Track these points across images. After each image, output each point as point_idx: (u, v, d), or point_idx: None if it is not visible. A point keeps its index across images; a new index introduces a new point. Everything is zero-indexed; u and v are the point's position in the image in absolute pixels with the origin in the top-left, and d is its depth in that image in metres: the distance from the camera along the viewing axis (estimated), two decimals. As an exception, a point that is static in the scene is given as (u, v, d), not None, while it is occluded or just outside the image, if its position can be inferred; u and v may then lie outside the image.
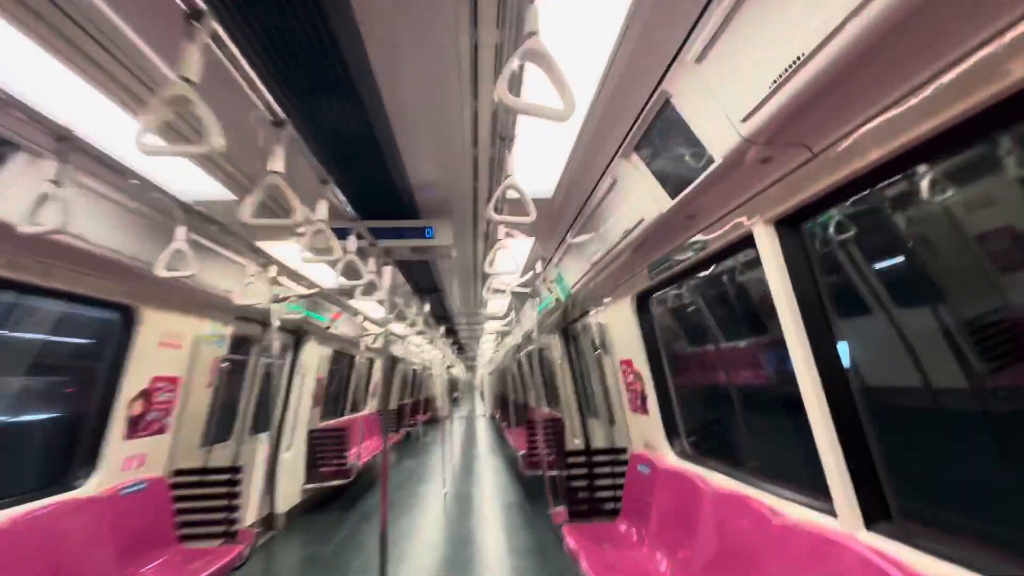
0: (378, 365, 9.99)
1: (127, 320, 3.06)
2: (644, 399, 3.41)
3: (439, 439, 12.54)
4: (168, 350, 3.35)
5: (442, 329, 7.83)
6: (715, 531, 2.36)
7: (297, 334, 5.86)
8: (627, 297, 3.41)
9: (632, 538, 3.23)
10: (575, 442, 5.80)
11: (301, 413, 5.99)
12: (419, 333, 8.53)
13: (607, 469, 3.78)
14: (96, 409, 2.96)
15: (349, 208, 2.62)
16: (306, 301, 5.05)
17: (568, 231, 3.34)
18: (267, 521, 5.50)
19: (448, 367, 19.37)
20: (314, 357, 6.18)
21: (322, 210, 2.29)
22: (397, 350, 10.02)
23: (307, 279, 4.00)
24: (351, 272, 2.62)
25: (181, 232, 2.59)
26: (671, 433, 3.23)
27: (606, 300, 3.87)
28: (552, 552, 4.39)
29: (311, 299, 5.17)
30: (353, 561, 4.38)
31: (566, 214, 3.10)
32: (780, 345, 1.92)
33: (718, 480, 2.58)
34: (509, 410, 9.52)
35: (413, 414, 12.18)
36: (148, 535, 3.12)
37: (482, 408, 23.38)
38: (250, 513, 5.01)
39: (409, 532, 5.20)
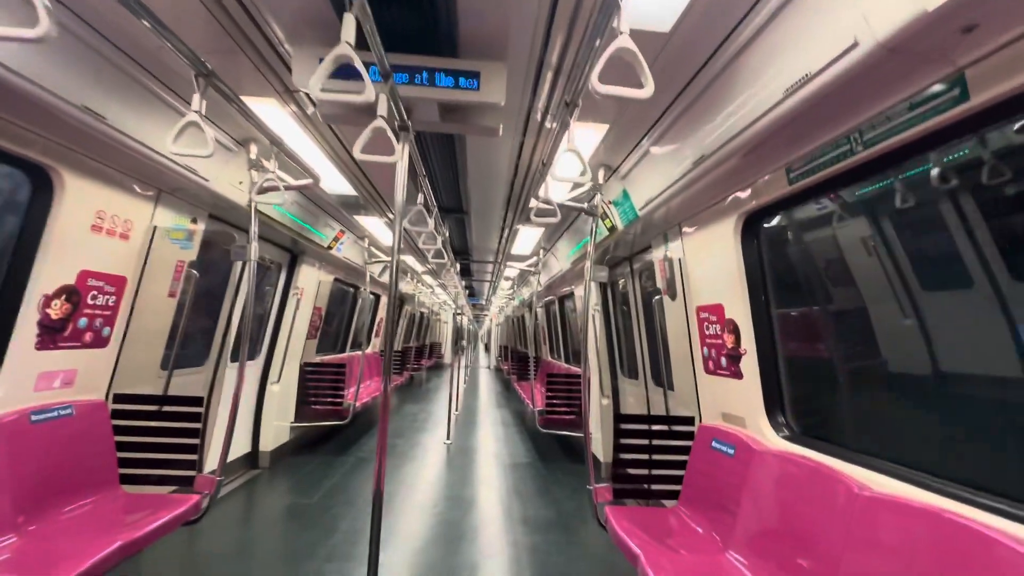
0: (384, 303, 9.23)
1: (40, 186, 2.20)
2: (734, 359, 2.56)
3: (442, 386, 12.00)
4: (107, 239, 2.51)
5: (456, 266, 6.97)
6: (874, 554, 1.55)
7: (292, 252, 5.02)
8: (727, 220, 2.49)
9: (698, 532, 2.46)
10: (625, 403, 5.04)
11: (294, 343, 5.24)
12: (429, 271, 7.69)
13: (664, 443, 2.99)
14: (-3, 307, 2.15)
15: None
16: (302, 210, 4.16)
17: (663, 116, 2.38)
18: (250, 459, 4.88)
19: (456, 314, 18.74)
20: (311, 282, 5.37)
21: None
22: (406, 288, 9.23)
23: (306, 168, 3.08)
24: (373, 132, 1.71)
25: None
26: (774, 406, 2.39)
27: (686, 230, 2.95)
28: (577, 528, 3.69)
29: (309, 208, 4.29)
30: (341, 518, 3.72)
31: (672, 85, 2.12)
32: None
33: (867, 478, 1.76)
34: (519, 362, 8.82)
35: (418, 358, 11.56)
36: (77, 472, 2.40)
37: (486, 359, 22.93)
38: (231, 448, 4.36)
39: (406, 489, 4.53)
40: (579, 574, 3.04)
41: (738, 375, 2.54)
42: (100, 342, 2.60)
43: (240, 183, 3.07)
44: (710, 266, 2.74)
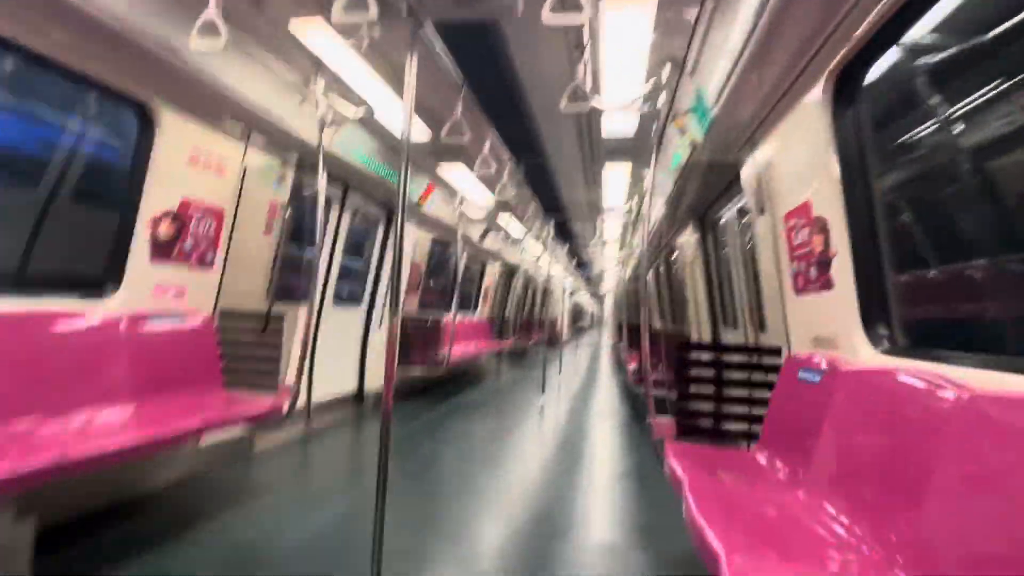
0: (490, 270, 9.49)
1: (144, 123, 2.60)
2: (823, 266, 2.06)
3: (550, 359, 12.02)
4: (205, 173, 2.90)
5: (550, 227, 6.83)
6: (990, 474, 1.11)
7: (387, 207, 5.36)
8: (813, 87, 1.99)
9: (776, 475, 2.05)
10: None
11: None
12: (532, 234, 7.66)
13: (743, 376, 2.57)
14: (120, 222, 2.61)
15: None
16: (387, 163, 4.38)
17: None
18: (357, 397, 5.37)
19: (571, 292, 18.60)
20: (407, 237, 5.69)
21: None
22: (511, 256, 9.35)
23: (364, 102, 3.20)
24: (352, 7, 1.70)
25: (213, 3, 1.94)
26: (872, 317, 1.87)
27: (769, 124, 2.44)
28: (654, 481, 3.39)
29: (395, 162, 4.51)
30: (419, 447, 3.91)
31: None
32: None
33: (982, 380, 1.26)
34: (630, 334, 8.40)
35: (527, 330, 11.70)
36: (188, 370, 2.84)
37: (609, 339, 22.47)
38: (333, 387, 4.87)
39: (490, 435, 4.61)
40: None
41: (828, 285, 2.04)
42: (205, 264, 3.03)
43: (315, 126, 3.32)
44: (796, 157, 2.24)
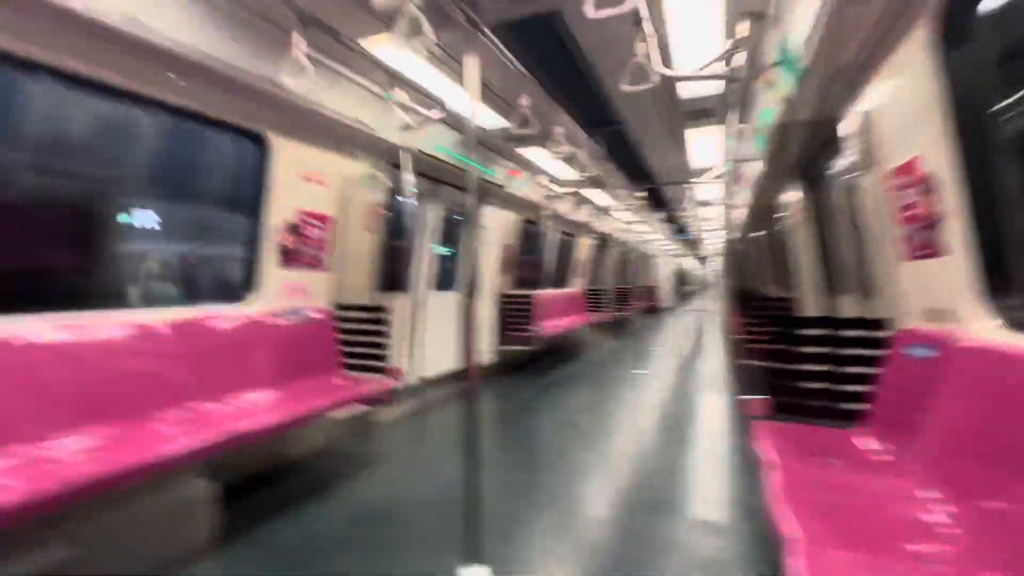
0: (582, 243, 9.45)
1: (261, 150, 3.03)
2: (936, 228, 1.83)
3: (651, 328, 11.70)
4: (313, 186, 3.31)
5: (639, 195, 6.60)
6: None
7: (478, 195, 5.56)
8: (915, 29, 1.74)
9: (878, 459, 1.92)
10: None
11: (487, 277, 5.91)
12: (623, 205, 7.48)
13: (844, 350, 2.38)
14: (250, 237, 3.11)
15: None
16: (468, 151, 4.56)
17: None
18: (463, 374, 5.79)
19: (672, 258, 17.76)
20: (496, 221, 5.90)
21: None
22: (602, 227, 9.20)
23: (439, 103, 3.39)
24: (411, 28, 1.84)
25: (296, 38, 2.25)
26: (995, 287, 1.64)
27: (869, 69, 2.16)
28: (742, 461, 3.28)
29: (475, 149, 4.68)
30: (520, 419, 4.16)
31: None
32: None
33: None
34: (734, 301, 7.91)
35: (625, 299, 11.49)
36: (314, 358, 3.33)
37: (716, 305, 21.21)
38: (440, 365, 5.31)
39: (584, 409, 4.73)
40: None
41: (941, 251, 1.81)
42: (320, 265, 3.48)
43: (400, 130, 3.58)
44: (901, 107, 1.97)
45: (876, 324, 2.31)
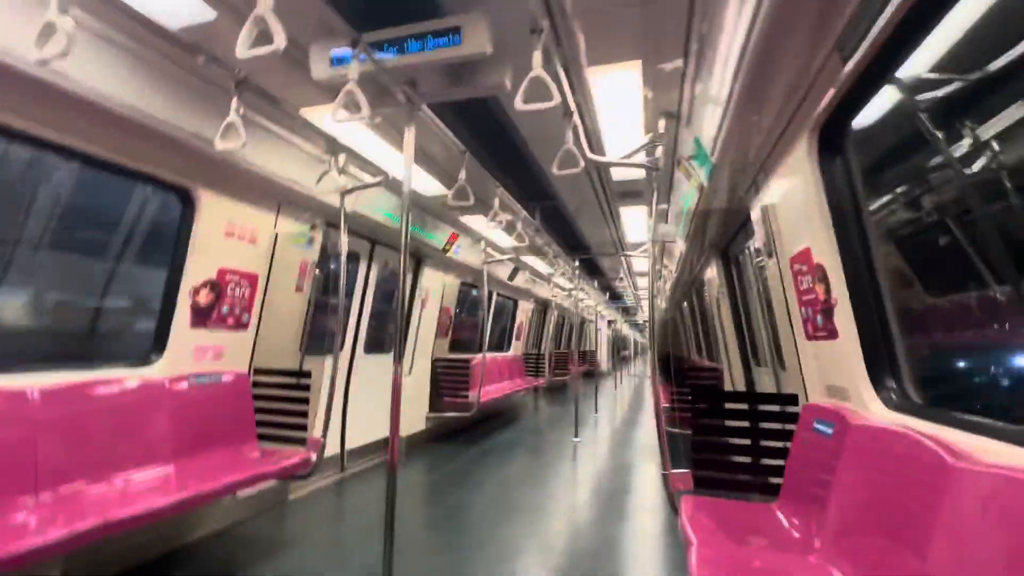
0: (523, 307, 9.58)
1: (186, 203, 2.90)
2: (827, 313, 2.02)
3: (589, 392, 11.80)
4: (239, 243, 3.17)
5: (575, 264, 6.88)
6: (986, 548, 1.06)
7: (415, 257, 5.59)
8: (799, 139, 2.01)
9: (793, 535, 1.97)
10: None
11: (423, 341, 5.79)
12: (560, 272, 7.74)
13: (765, 426, 2.49)
14: (164, 294, 2.89)
15: (340, 20, 1.87)
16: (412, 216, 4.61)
17: (691, 25, 2.07)
18: (387, 443, 5.48)
19: (610, 322, 18.35)
20: (435, 283, 5.89)
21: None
22: (542, 292, 9.42)
23: (381, 169, 3.44)
24: (351, 105, 1.90)
25: (234, 103, 2.22)
26: (878, 367, 1.81)
27: (769, 168, 2.45)
28: (671, 538, 3.27)
29: (418, 214, 4.74)
30: (451, 493, 3.94)
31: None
32: None
33: (989, 450, 1.21)
34: (662, 365, 8.21)
35: (563, 364, 11.60)
36: (224, 427, 3.04)
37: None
38: (367, 434, 5.00)
39: (520, 481, 4.59)
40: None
41: (833, 334, 1.99)
42: (241, 326, 3.28)
43: (336, 192, 3.58)
44: (793, 204, 2.23)
45: (791, 399, 2.45)
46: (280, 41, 1.44)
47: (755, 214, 2.87)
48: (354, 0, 1.95)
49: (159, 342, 2.87)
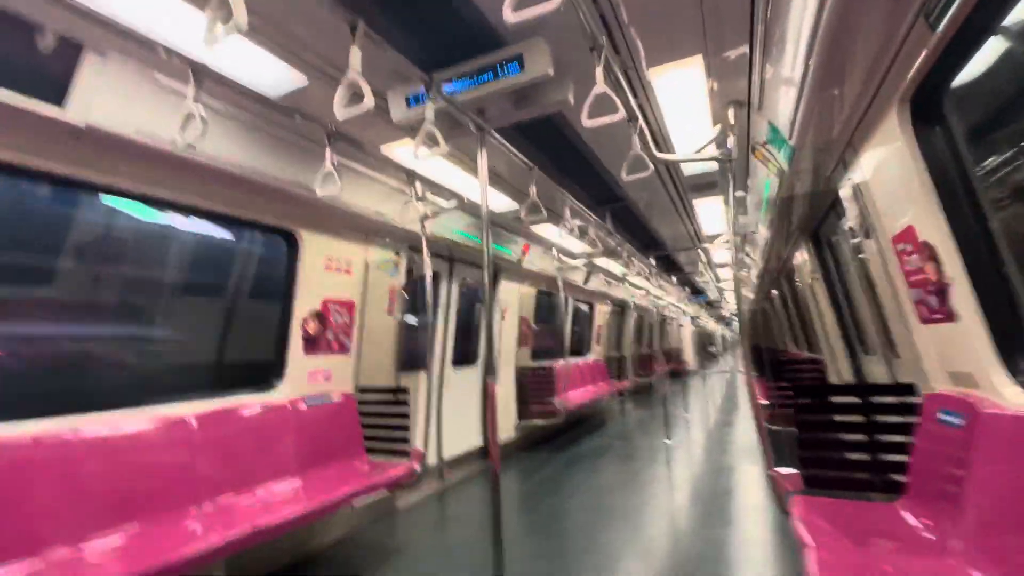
0: (601, 310, 9.49)
1: (290, 244, 3.26)
2: (942, 294, 1.86)
3: (677, 393, 11.37)
4: (337, 275, 3.50)
5: (650, 262, 6.72)
6: None
7: (493, 270, 5.75)
8: (889, 112, 1.88)
9: (925, 536, 1.82)
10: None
11: (505, 351, 5.95)
12: (637, 273, 7.62)
13: (881, 419, 2.32)
14: (279, 326, 3.26)
15: (412, 66, 2.04)
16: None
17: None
18: (483, 452, 5.68)
19: (693, 318, 17.59)
20: (512, 295, 6.03)
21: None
22: (618, 294, 9.29)
23: (455, 193, 3.64)
24: (429, 141, 2.06)
25: (328, 153, 2.53)
26: (1011, 350, 1.64)
27: (858, 143, 2.30)
28: (780, 540, 3.09)
29: (492, 230, 4.91)
30: (545, 499, 4.02)
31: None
32: None
33: None
34: (755, 361, 7.75)
35: (647, 364, 11.30)
36: (336, 442, 3.34)
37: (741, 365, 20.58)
38: (462, 444, 5.22)
39: (611, 486, 4.56)
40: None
41: (951, 316, 1.83)
42: (344, 349, 3.59)
43: (416, 219, 3.83)
44: (888, 180, 2.08)
45: (908, 389, 2.27)
46: (369, 102, 1.62)
47: (845, 193, 2.69)
48: (425, 45, 2.12)
49: (277, 369, 3.23)
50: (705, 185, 4.04)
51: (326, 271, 3.42)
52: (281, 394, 3.18)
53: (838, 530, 1.92)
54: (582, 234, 4.68)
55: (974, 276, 1.70)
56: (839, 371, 4.32)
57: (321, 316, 3.40)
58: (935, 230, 1.80)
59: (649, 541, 3.18)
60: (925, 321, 2.08)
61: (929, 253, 1.88)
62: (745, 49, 2.33)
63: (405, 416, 3.48)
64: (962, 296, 1.74)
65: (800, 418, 2.45)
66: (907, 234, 2.02)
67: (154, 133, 2.13)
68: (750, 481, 4.44)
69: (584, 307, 9.18)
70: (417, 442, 3.37)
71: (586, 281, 7.52)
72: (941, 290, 1.86)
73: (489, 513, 2.12)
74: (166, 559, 1.84)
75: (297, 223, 3.20)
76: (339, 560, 3.09)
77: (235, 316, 3.71)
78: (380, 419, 3.58)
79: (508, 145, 2.56)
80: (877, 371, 3.73)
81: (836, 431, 2.41)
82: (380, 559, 3.07)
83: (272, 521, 2.24)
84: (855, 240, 2.87)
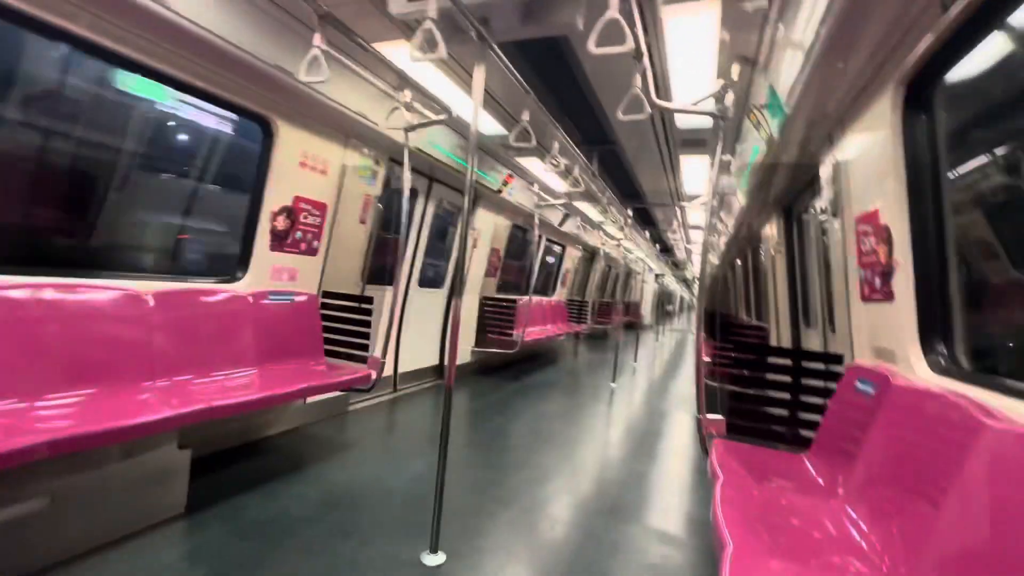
0: (571, 254, 9.61)
1: (266, 133, 3.10)
2: (887, 275, 2.00)
3: (630, 343, 11.91)
4: (311, 173, 3.38)
5: (628, 213, 6.77)
6: (991, 504, 1.13)
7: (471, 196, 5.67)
8: (882, 96, 1.92)
9: (819, 482, 2.07)
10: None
11: (472, 279, 6.01)
12: (610, 219, 7.67)
13: (806, 383, 2.54)
14: (247, 218, 3.17)
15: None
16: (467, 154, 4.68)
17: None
18: (437, 370, 5.88)
19: (657, 275, 18.07)
20: (487, 225, 6.01)
21: None
22: (591, 240, 9.39)
23: (444, 107, 3.49)
24: (427, 43, 1.95)
25: (317, 39, 2.34)
26: (930, 332, 1.81)
27: (845, 122, 2.34)
28: (699, 477, 3.44)
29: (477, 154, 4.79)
30: (493, 418, 4.27)
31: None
32: None
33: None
34: (709, 322, 8.14)
35: (606, 313, 11.69)
36: (296, 341, 3.39)
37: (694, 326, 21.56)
38: (417, 360, 5.39)
39: (555, 415, 4.87)
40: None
41: (890, 296, 1.98)
42: (311, 251, 3.55)
43: (403, 128, 3.68)
44: (869, 161, 2.15)
45: (835, 359, 2.48)
46: None
47: (825, 170, 2.76)
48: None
49: (243, 261, 3.18)
50: (695, 142, 4.03)
51: (301, 167, 3.30)
52: (244, 285, 3.15)
53: (747, 471, 2.15)
54: (566, 173, 4.63)
55: (918, 263, 1.83)
56: (780, 339, 4.62)
57: (291, 212, 3.32)
58: (896, 215, 1.91)
59: (580, 465, 3.47)
60: (865, 299, 2.25)
61: (885, 236, 2.00)
62: (764, 2, 2.26)
63: (367, 325, 3.54)
64: (903, 279, 1.88)
65: (735, 372, 2.65)
66: (871, 216, 2.12)
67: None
68: (681, 427, 4.82)
69: (557, 248, 9.27)
70: (378, 352, 3.46)
71: (562, 223, 7.55)
72: (886, 272, 1.99)
73: (439, 421, 2.25)
74: (121, 422, 1.89)
75: (274, 110, 3.03)
76: (287, 448, 3.24)
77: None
78: (342, 324, 3.63)
79: (507, 63, 2.46)
80: (814, 342, 4.02)
81: (764, 388, 2.63)
82: (327, 452, 3.23)
83: (226, 401, 2.31)
84: (823, 217, 2.99)
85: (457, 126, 3.96)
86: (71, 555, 1.89)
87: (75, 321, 2.24)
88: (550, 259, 9.36)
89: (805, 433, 2.43)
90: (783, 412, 2.58)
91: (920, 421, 1.57)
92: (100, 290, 2.38)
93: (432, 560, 2.09)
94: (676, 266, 18.09)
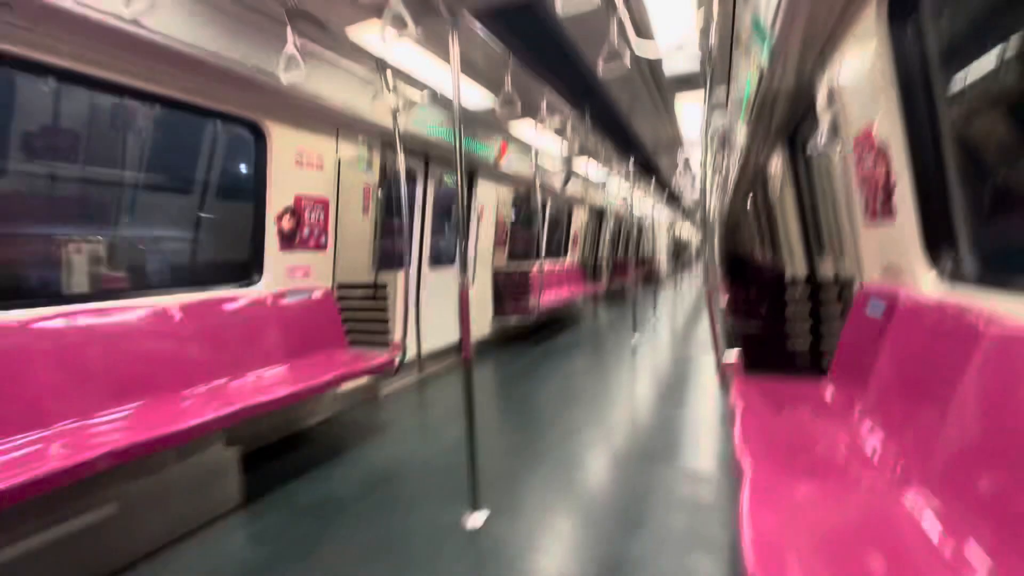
0: (577, 215, 9.55)
1: (258, 138, 3.15)
2: (888, 193, 1.98)
3: (647, 299, 11.89)
4: (308, 171, 3.43)
5: (629, 165, 6.67)
6: (987, 404, 1.16)
7: (469, 170, 5.68)
8: (867, 8, 1.85)
9: (835, 405, 2.12)
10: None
11: (482, 251, 6.05)
12: (606, 172, 7.56)
13: (823, 310, 2.56)
14: (253, 222, 3.25)
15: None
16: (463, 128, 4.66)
17: None
18: (459, 347, 6.00)
19: (668, 226, 17.83)
20: (490, 196, 6.01)
21: None
22: (596, 199, 9.29)
23: (426, 84, 3.47)
24: (396, 21, 1.95)
25: (289, 33, 2.35)
26: (935, 241, 1.80)
27: (836, 39, 2.26)
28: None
29: (468, 126, 4.76)
30: (518, 385, 4.39)
31: None
32: None
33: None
34: (724, 266, 8.06)
35: (621, 270, 11.65)
36: (319, 334, 3.52)
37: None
38: (439, 340, 5.51)
39: (581, 375, 4.96)
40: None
41: (892, 214, 1.96)
42: (320, 247, 3.64)
43: (390, 112, 3.67)
44: (860, 80, 2.09)
45: (848, 284, 2.48)
46: None
47: (821, 93, 2.69)
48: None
49: (257, 265, 3.28)
50: (688, 81, 3.93)
51: (296, 166, 3.35)
52: (262, 287, 3.26)
53: (766, 402, 2.21)
54: (560, 132, 4.59)
55: (917, 176, 1.80)
56: (795, 272, 4.59)
57: (295, 212, 3.39)
58: (891, 129, 1.87)
59: (608, 417, 3.57)
60: (871, 219, 2.23)
61: (882, 153, 1.97)
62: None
63: (384, 311, 3.64)
64: (903, 195, 1.86)
65: (752, 310, 2.68)
66: (867, 134, 2.08)
67: (94, 3, 1.96)
68: (705, 371, 4.88)
69: (561, 212, 9.21)
70: (396, 337, 3.56)
71: (564, 185, 7.48)
72: (888, 189, 1.97)
73: (464, 395, 2.35)
74: (171, 428, 2.03)
75: (262, 114, 3.06)
76: (326, 436, 3.41)
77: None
78: (361, 313, 3.74)
79: (481, 30, 2.43)
80: (828, 272, 3.99)
81: (779, 320, 2.66)
82: (363, 436, 3.39)
83: (263, 398, 2.44)
84: (823, 141, 2.92)
85: (444, 103, 3.94)
86: (144, 553, 2.07)
87: (112, 341, 2.37)
88: (557, 223, 9.32)
89: (822, 362, 2.46)
90: (801, 343, 2.60)
91: (924, 333, 1.59)
92: (129, 310, 2.51)
93: (475, 518, 2.22)
94: (685, 213, 17.80)
